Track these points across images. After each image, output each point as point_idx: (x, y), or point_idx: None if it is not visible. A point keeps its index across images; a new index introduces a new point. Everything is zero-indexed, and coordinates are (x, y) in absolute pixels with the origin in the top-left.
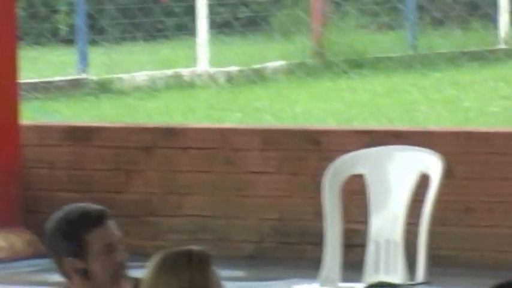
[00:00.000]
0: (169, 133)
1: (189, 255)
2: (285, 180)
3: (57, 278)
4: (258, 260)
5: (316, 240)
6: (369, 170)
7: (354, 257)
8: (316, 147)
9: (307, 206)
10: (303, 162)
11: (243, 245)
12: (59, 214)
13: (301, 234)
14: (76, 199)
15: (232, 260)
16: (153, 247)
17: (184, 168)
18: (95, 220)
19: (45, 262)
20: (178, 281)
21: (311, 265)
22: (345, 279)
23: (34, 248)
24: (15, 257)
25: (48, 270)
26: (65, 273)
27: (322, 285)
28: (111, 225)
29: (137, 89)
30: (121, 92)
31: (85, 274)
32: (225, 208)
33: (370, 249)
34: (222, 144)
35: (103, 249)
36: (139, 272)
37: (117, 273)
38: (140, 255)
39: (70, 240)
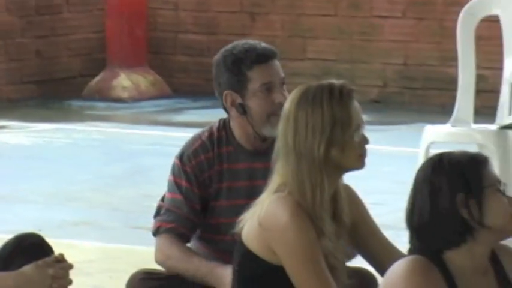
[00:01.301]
0: None
1: (330, 89)
2: (410, 25)
3: (182, 118)
4: (382, 104)
5: (441, 85)
6: (504, 10)
7: (479, 102)
8: None
9: (432, 51)
10: (429, 6)
11: (367, 89)
12: (227, 47)
13: (425, 79)
14: (200, 41)
15: None
16: None
17: (309, 11)
18: (258, 57)
19: (170, 103)
20: (320, 113)
21: (435, 110)
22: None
23: (158, 89)
24: (139, 97)
25: (172, 110)
26: (224, 106)
27: (454, 125)
28: (275, 65)
29: None
30: None
31: (242, 109)
32: (349, 52)
33: (504, 90)
34: None
35: (262, 87)
36: None
37: (273, 113)
38: None
39: (231, 73)
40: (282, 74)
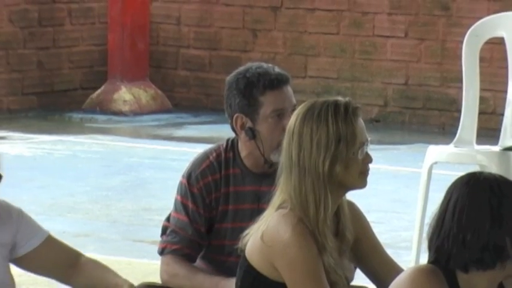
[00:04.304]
0: None
1: (336, 105)
2: (412, 45)
3: (182, 133)
4: (382, 123)
5: (441, 106)
6: (509, 32)
7: (479, 123)
8: (445, 12)
9: (433, 72)
10: (431, 27)
11: (367, 108)
12: (240, 69)
13: (426, 99)
14: (202, 56)
15: None
16: None
17: (311, 29)
18: (271, 82)
19: (170, 117)
20: (325, 129)
21: (435, 130)
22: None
23: (159, 103)
24: (140, 111)
25: (172, 125)
26: (234, 129)
27: (457, 146)
28: (288, 91)
29: None
30: None
31: (252, 134)
32: (350, 71)
33: (508, 112)
34: (349, 6)
35: (273, 113)
36: None
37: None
38: None
39: (243, 96)
40: (294, 101)
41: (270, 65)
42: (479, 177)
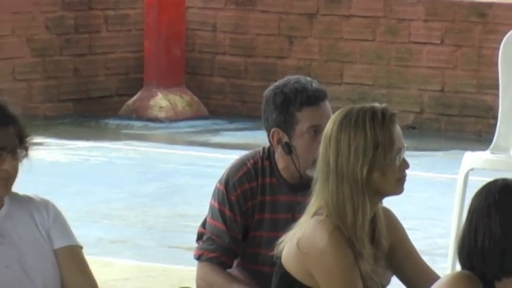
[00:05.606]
0: (333, 0)
1: (373, 112)
2: (448, 52)
3: (218, 139)
4: (417, 130)
5: (477, 113)
6: None
7: None
8: (482, 19)
9: (469, 79)
10: (467, 34)
11: (403, 115)
12: (278, 83)
13: (462, 106)
14: (237, 63)
15: None
16: None
17: (347, 36)
18: (309, 99)
19: (206, 123)
20: (363, 136)
21: (471, 137)
22: None
23: (195, 109)
24: (176, 117)
25: (208, 131)
26: (270, 142)
27: (493, 153)
28: (325, 107)
29: None
30: None
31: (288, 149)
32: (386, 77)
33: None
34: (385, 13)
35: (309, 129)
36: None
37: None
38: None
39: (280, 112)
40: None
41: (308, 79)
42: (490, 186)
